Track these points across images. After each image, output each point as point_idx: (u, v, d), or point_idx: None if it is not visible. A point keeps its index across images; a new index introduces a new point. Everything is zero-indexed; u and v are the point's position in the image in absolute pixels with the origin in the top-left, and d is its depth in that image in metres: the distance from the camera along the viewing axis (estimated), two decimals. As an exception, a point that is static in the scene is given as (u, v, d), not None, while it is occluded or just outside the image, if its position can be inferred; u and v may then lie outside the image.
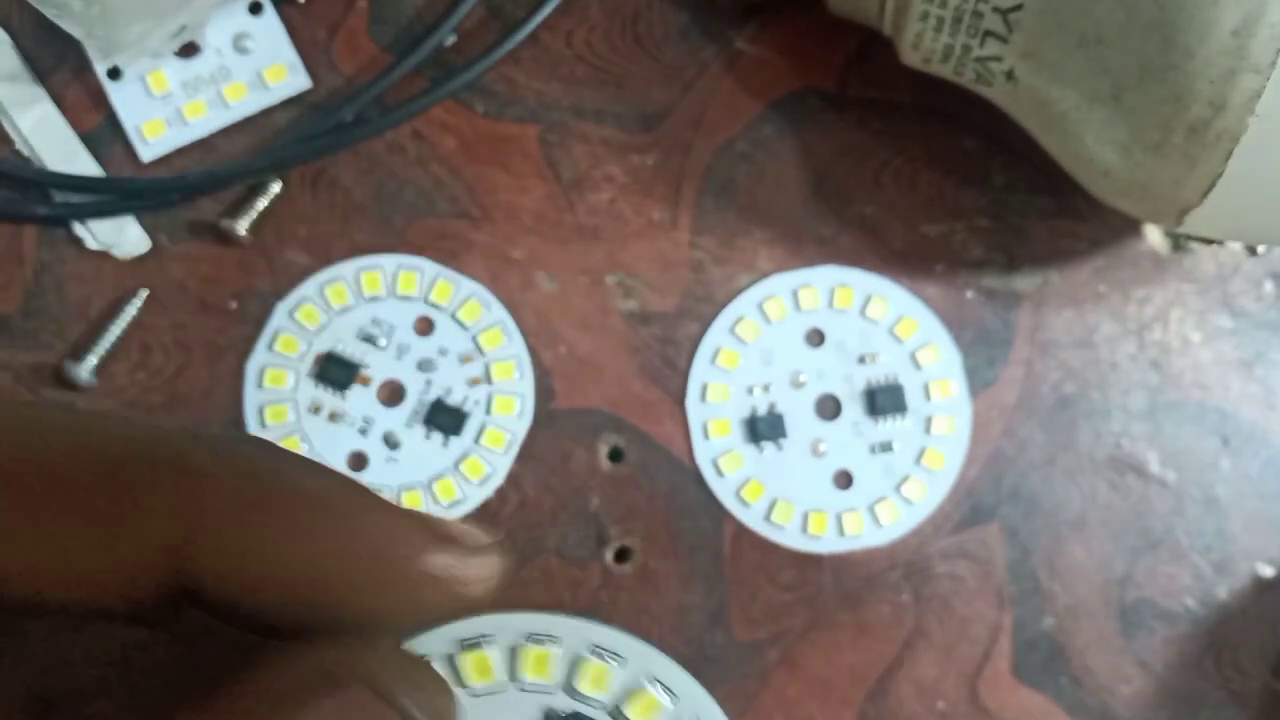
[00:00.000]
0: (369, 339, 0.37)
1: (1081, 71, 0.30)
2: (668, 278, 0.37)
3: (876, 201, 0.37)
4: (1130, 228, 0.37)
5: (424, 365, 0.37)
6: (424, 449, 0.36)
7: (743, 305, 0.37)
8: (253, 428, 0.36)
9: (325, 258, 0.37)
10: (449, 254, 0.37)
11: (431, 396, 0.37)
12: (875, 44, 0.35)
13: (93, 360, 0.36)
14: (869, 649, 0.36)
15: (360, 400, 0.37)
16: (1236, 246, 0.37)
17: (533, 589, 0.36)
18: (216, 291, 0.37)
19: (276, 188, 0.37)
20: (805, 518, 0.36)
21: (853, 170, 0.37)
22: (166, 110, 0.37)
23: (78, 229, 0.37)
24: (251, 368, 0.37)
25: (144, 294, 0.37)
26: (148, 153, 0.37)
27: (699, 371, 0.37)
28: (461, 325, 0.37)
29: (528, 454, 0.37)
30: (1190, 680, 0.36)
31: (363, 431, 0.36)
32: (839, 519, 0.36)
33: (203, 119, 0.37)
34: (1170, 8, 0.27)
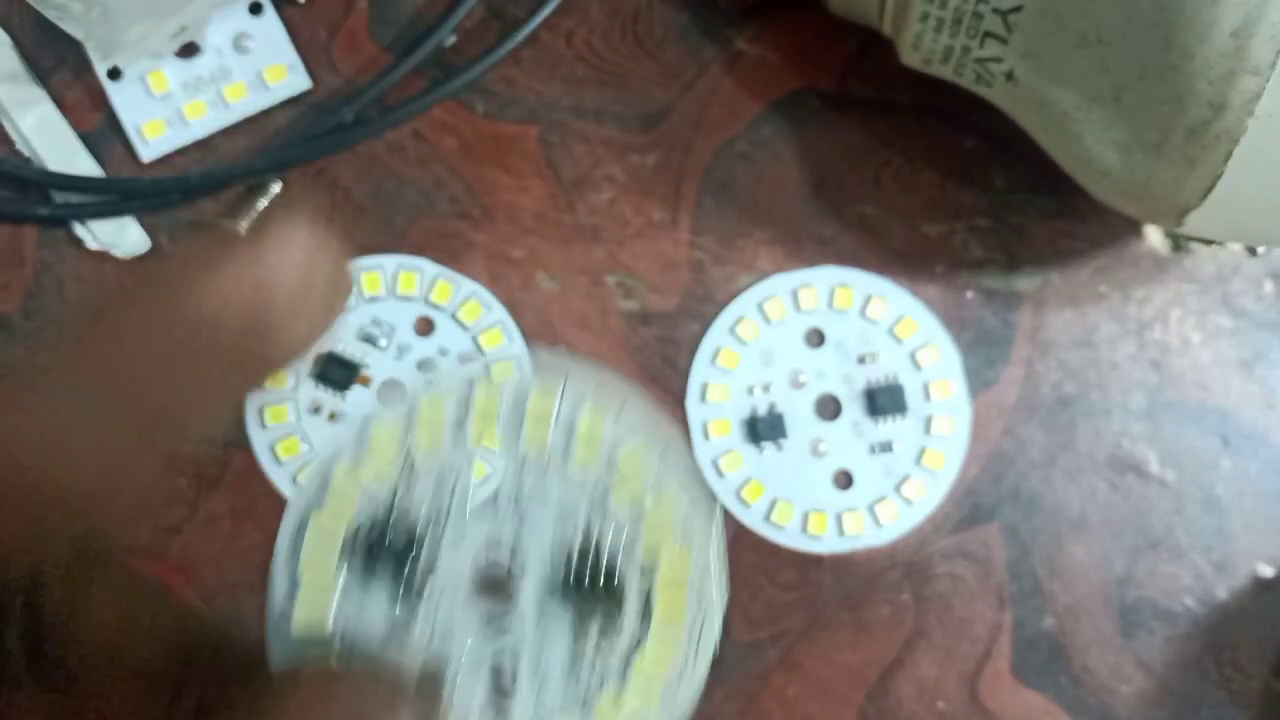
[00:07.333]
0: (369, 339, 0.37)
1: (1081, 72, 0.30)
2: (668, 278, 0.37)
3: (876, 201, 0.37)
4: (1130, 228, 0.37)
5: (424, 365, 0.37)
6: (424, 449, 0.36)
7: (743, 305, 0.37)
8: (253, 428, 0.36)
9: (325, 258, 0.37)
10: (449, 254, 0.37)
11: (432, 396, 0.36)
12: (875, 44, 0.35)
13: (93, 360, 0.36)
14: (869, 649, 0.36)
15: (360, 400, 0.37)
16: (1236, 246, 0.37)
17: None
18: (217, 292, 0.37)
19: (276, 188, 0.37)
20: (805, 518, 0.36)
21: (853, 170, 0.37)
22: (167, 110, 0.37)
23: (78, 229, 0.37)
24: (252, 368, 0.37)
25: (144, 294, 0.37)
26: (148, 153, 0.37)
27: (699, 371, 0.37)
28: (462, 325, 0.37)
29: (528, 454, 0.37)
30: (1190, 680, 0.36)
31: (363, 431, 0.36)
32: (839, 519, 0.36)
33: (203, 119, 0.37)
34: (1170, 8, 0.27)
